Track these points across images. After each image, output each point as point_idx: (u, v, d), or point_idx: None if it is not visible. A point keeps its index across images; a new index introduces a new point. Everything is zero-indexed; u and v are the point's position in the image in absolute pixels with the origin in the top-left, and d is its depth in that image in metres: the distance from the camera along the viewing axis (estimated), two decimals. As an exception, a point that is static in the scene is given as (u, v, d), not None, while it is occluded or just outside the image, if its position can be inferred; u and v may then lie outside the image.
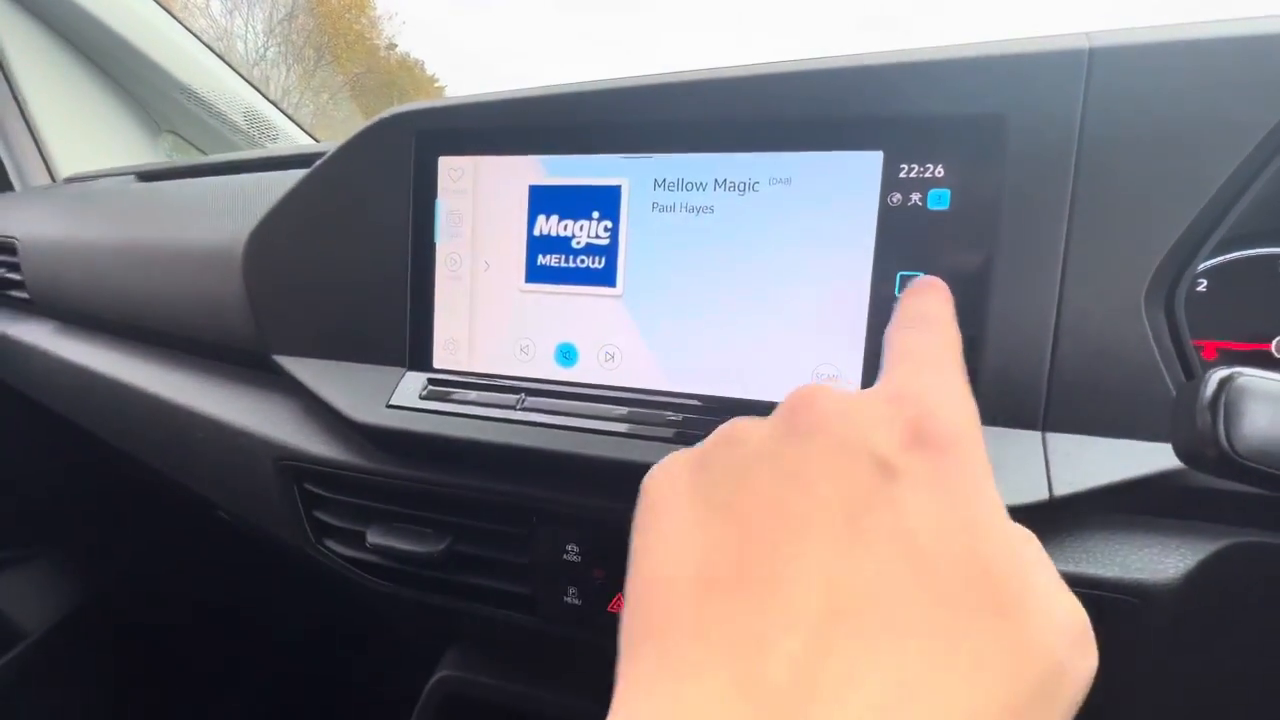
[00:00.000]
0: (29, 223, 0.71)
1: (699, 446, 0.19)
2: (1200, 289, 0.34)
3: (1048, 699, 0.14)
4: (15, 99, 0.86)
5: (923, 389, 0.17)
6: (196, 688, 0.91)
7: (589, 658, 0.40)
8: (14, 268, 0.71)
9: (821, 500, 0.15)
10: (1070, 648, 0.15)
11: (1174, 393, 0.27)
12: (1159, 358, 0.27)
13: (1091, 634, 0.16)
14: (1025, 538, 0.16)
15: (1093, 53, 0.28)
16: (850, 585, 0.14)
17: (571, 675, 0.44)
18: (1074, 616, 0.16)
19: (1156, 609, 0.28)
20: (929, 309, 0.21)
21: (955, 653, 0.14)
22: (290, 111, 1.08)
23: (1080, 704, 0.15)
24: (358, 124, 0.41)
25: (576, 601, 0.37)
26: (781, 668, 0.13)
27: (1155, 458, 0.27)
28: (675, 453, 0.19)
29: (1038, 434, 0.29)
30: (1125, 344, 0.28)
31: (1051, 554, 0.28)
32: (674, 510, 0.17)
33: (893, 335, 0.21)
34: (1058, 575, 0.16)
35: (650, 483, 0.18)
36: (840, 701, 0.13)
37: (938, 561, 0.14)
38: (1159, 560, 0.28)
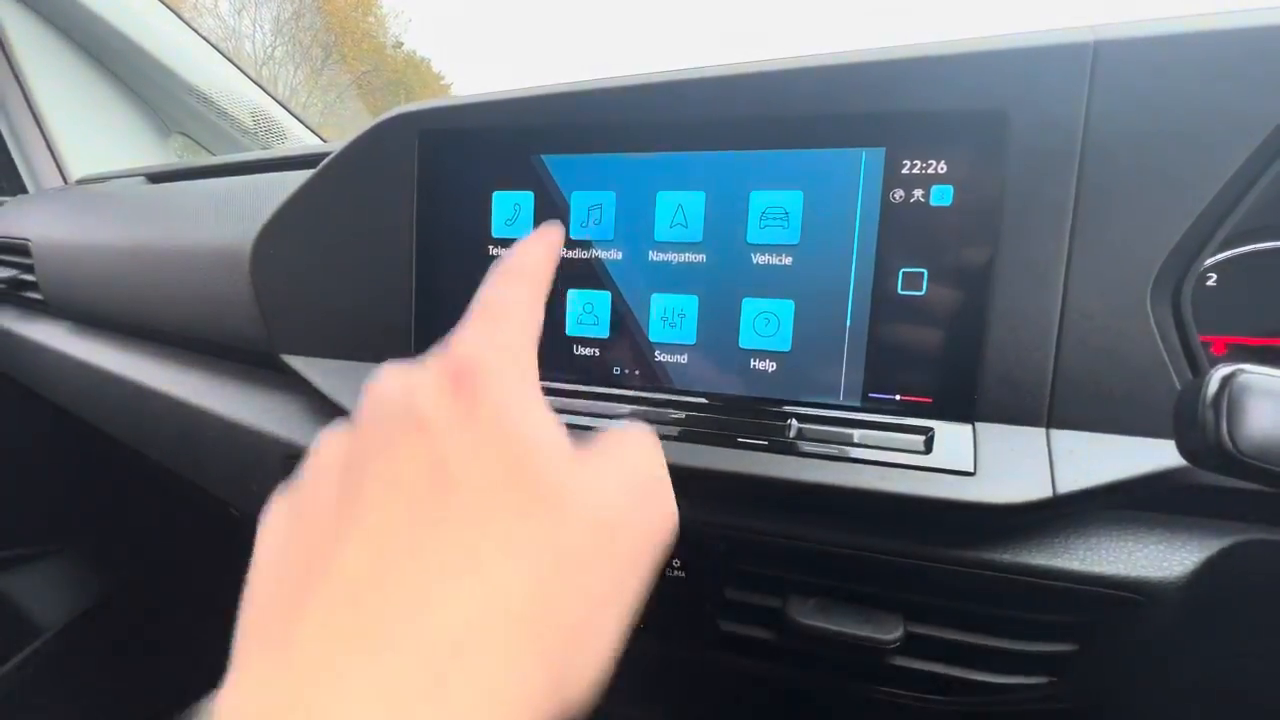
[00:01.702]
0: (42, 224, 0.72)
1: (310, 457, 0.21)
2: (1211, 283, 0.34)
3: (608, 541, 0.17)
4: (28, 102, 0.87)
5: (469, 344, 0.19)
6: (209, 682, 0.92)
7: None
8: (28, 269, 0.72)
9: (368, 475, 0.17)
10: (623, 498, 0.18)
11: (1180, 389, 0.27)
12: (1164, 354, 0.27)
13: (660, 483, 0.19)
14: (557, 437, 0.18)
15: (1097, 46, 0.27)
16: (392, 534, 0.16)
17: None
18: (626, 474, 0.19)
19: (1162, 606, 0.28)
20: (523, 260, 0.23)
21: (477, 552, 0.16)
22: (298, 110, 1.08)
23: (657, 549, 0.19)
24: (364, 122, 0.41)
25: (581, 598, 0.37)
26: (312, 624, 0.15)
27: (1160, 454, 0.27)
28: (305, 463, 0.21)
29: (1042, 430, 0.28)
30: (1130, 340, 0.27)
31: (1056, 551, 0.29)
32: (270, 537, 0.19)
33: (485, 281, 0.22)
34: (611, 451, 0.19)
35: (261, 520, 0.20)
36: (353, 636, 0.14)
37: (468, 482, 0.16)
38: (1165, 557, 0.28)
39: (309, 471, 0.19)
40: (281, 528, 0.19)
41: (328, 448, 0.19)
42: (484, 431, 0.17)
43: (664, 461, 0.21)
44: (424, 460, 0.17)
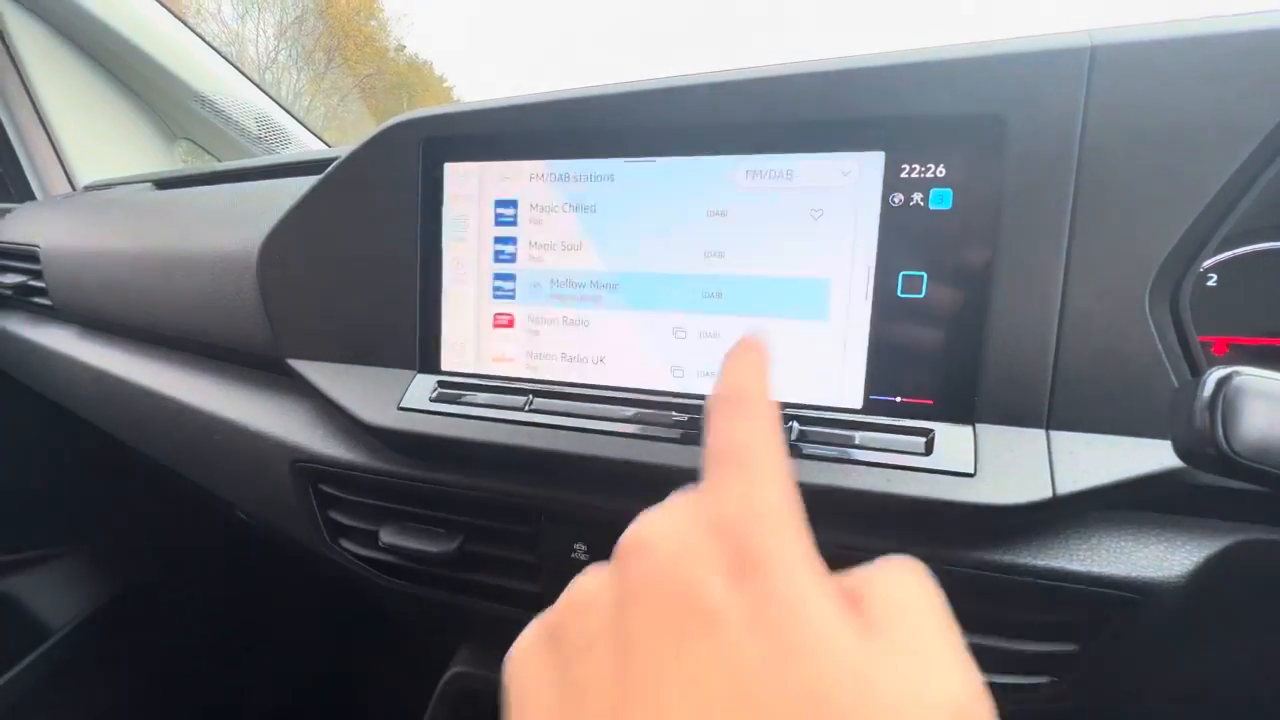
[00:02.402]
0: (50, 231, 0.73)
1: (553, 615, 0.19)
2: (1211, 283, 0.34)
3: None
4: (36, 110, 0.88)
5: (736, 507, 0.18)
6: (216, 682, 0.93)
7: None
8: (37, 275, 0.73)
9: (660, 675, 0.16)
10: None
11: (1175, 390, 0.27)
12: (1163, 355, 0.27)
13: (976, 712, 0.16)
14: (859, 641, 0.16)
15: (1094, 50, 0.28)
16: None
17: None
18: (941, 707, 0.15)
19: (1162, 606, 0.28)
20: (743, 382, 0.21)
21: None
22: (302, 113, 1.09)
23: None
24: (368, 125, 0.42)
25: (585, 599, 0.37)
26: None
27: (1160, 455, 0.27)
28: (532, 623, 0.20)
29: (1041, 432, 0.29)
30: (1129, 341, 0.28)
31: (1056, 552, 0.29)
32: (533, 700, 0.18)
33: (710, 417, 0.21)
34: (921, 645, 0.16)
35: (511, 667, 0.19)
36: None
37: (771, 706, 0.15)
38: (1164, 557, 0.28)
39: (576, 632, 0.18)
40: (544, 691, 0.17)
41: (594, 605, 0.18)
42: (778, 636, 0.16)
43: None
44: (719, 669, 0.15)
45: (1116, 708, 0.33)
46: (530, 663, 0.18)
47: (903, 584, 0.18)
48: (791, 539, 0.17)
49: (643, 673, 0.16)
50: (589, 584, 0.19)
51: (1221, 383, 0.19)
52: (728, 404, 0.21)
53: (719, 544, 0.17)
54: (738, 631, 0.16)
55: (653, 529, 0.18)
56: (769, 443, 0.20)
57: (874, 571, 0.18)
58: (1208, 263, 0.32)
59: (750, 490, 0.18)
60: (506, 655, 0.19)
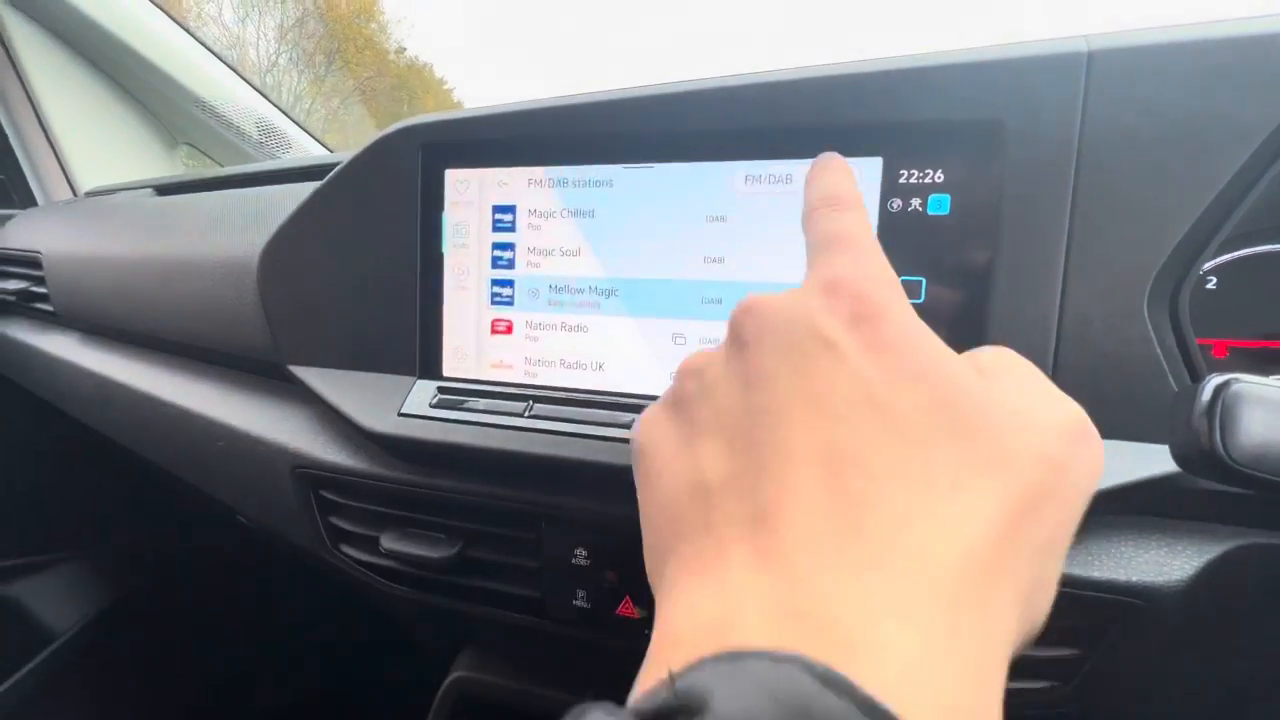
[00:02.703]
0: (52, 237, 0.73)
1: (671, 388, 0.20)
2: (1210, 286, 0.34)
3: (1046, 495, 0.16)
4: (38, 116, 0.88)
5: (848, 273, 0.18)
6: (218, 687, 0.93)
7: (600, 659, 0.41)
8: (39, 280, 0.73)
9: (787, 392, 0.17)
10: (1060, 442, 0.17)
11: (1174, 396, 0.27)
12: (1162, 359, 0.27)
13: (1092, 431, 0.17)
14: (979, 377, 0.17)
15: (1091, 55, 0.28)
16: (831, 454, 0.15)
17: (583, 676, 0.45)
18: (1055, 415, 0.17)
19: (1163, 611, 0.28)
20: (836, 188, 0.22)
21: (934, 478, 0.15)
22: (302, 116, 1.09)
23: (1091, 491, 0.17)
24: (368, 127, 0.42)
25: (585, 604, 0.37)
26: (787, 535, 0.15)
27: (1159, 460, 0.27)
28: (651, 405, 0.21)
29: (1041, 437, 0.29)
30: (1128, 346, 0.28)
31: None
32: (662, 445, 0.19)
33: (810, 220, 0.22)
34: (1031, 386, 0.18)
35: (636, 434, 0.20)
36: (842, 552, 0.14)
37: (900, 411, 0.16)
38: (1165, 562, 0.28)
39: (695, 387, 0.19)
40: (678, 447, 0.18)
41: (710, 366, 0.19)
42: (901, 361, 0.16)
43: None
44: (846, 384, 0.16)
45: (1118, 711, 0.33)
46: (657, 420, 0.19)
47: (1006, 353, 0.20)
48: (903, 299, 0.18)
49: (770, 395, 0.17)
50: (699, 357, 0.20)
51: (1219, 389, 0.19)
52: (825, 203, 0.22)
53: (835, 299, 0.18)
54: (861, 356, 0.16)
55: (764, 296, 0.19)
56: (869, 231, 0.21)
57: (978, 349, 0.20)
58: (1207, 265, 0.32)
59: (859, 259, 0.19)
60: (635, 424, 0.20)
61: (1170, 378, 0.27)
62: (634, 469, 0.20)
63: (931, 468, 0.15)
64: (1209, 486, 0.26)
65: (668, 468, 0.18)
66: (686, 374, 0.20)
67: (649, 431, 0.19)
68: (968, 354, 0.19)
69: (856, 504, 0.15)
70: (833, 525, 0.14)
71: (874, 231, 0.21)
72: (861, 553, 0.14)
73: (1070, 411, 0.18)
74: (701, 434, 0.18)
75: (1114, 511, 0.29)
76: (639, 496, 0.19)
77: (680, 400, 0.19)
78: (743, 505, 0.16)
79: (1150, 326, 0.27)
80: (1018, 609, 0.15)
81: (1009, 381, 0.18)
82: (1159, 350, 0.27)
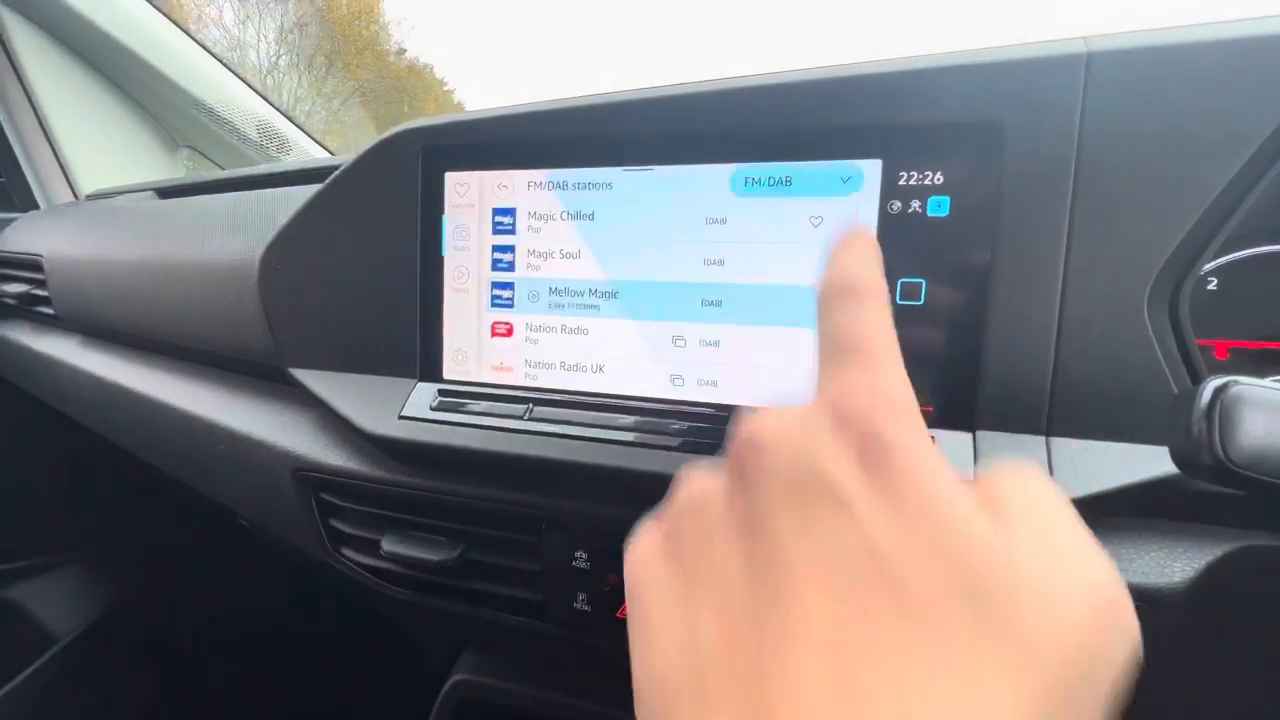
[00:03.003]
0: (54, 240, 0.73)
1: (666, 514, 0.19)
2: (1211, 287, 0.34)
3: (1079, 683, 0.14)
4: (39, 119, 0.89)
5: (862, 397, 0.17)
6: (219, 691, 0.93)
7: (600, 662, 0.41)
8: (40, 284, 0.73)
9: (792, 553, 0.15)
10: (1090, 627, 0.14)
11: (1173, 399, 0.27)
12: (1163, 361, 0.27)
13: (1122, 601, 0.15)
14: (999, 531, 0.15)
15: (1090, 57, 0.28)
16: (839, 638, 0.14)
17: (583, 679, 0.45)
18: (1085, 589, 0.15)
19: (1163, 613, 0.28)
20: (856, 273, 0.20)
21: (950, 673, 0.13)
22: (302, 118, 1.10)
23: (1128, 672, 0.15)
24: (368, 129, 0.42)
25: (586, 607, 0.37)
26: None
27: (1160, 461, 0.27)
28: (646, 524, 0.19)
29: (1041, 438, 0.29)
30: (1128, 347, 0.28)
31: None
32: (654, 595, 0.17)
33: (823, 308, 0.20)
34: (1055, 537, 0.16)
35: (630, 566, 0.19)
36: None
37: (915, 589, 0.14)
38: (1165, 564, 0.28)
39: (692, 528, 0.18)
40: (673, 602, 0.17)
41: (709, 502, 0.18)
42: (913, 520, 0.15)
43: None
44: (854, 548, 0.15)
45: (1120, 713, 0.33)
46: (650, 561, 0.18)
47: (1030, 483, 0.17)
48: (919, 429, 0.17)
49: (772, 553, 0.15)
50: (699, 484, 0.18)
51: (1218, 392, 0.19)
52: (842, 293, 0.19)
53: (845, 432, 0.16)
54: (873, 514, 0.15)
55: (770, 422, 0.17)
56: (887, 332, 0.19)
57: (998, 473, 0.17)
58: (1208, 266, 0.32)
59: (874, 379, 0.17)
60: (626, 557, 0.19)
61: (1170, 379, 0.27)
62: (627, 599, 0.19)
63: (947, 658, 0.14)
64: (1209, 488, 0.26)
65: (661, 626, 0.17)
66: (685, 506, 0.18)
67: (642, 572, 0.18)
68: (985, 479, 0.17)
69: (863, 699, 0.14)
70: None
71: (889, 316, 0.19)
72: None
73: (1101, 580, 0.15)
74: (698, 589, 0.16)
75: (1115, 513, 0.29)
76: (630, 634, 0.18)
77: (677, 539, 0.18)
78: (742, 688, 0.15)
79: (1150, 328, 0.27)
80: None
81: (1029, 532, 0.16)
82: (1159, 352, 0.27)
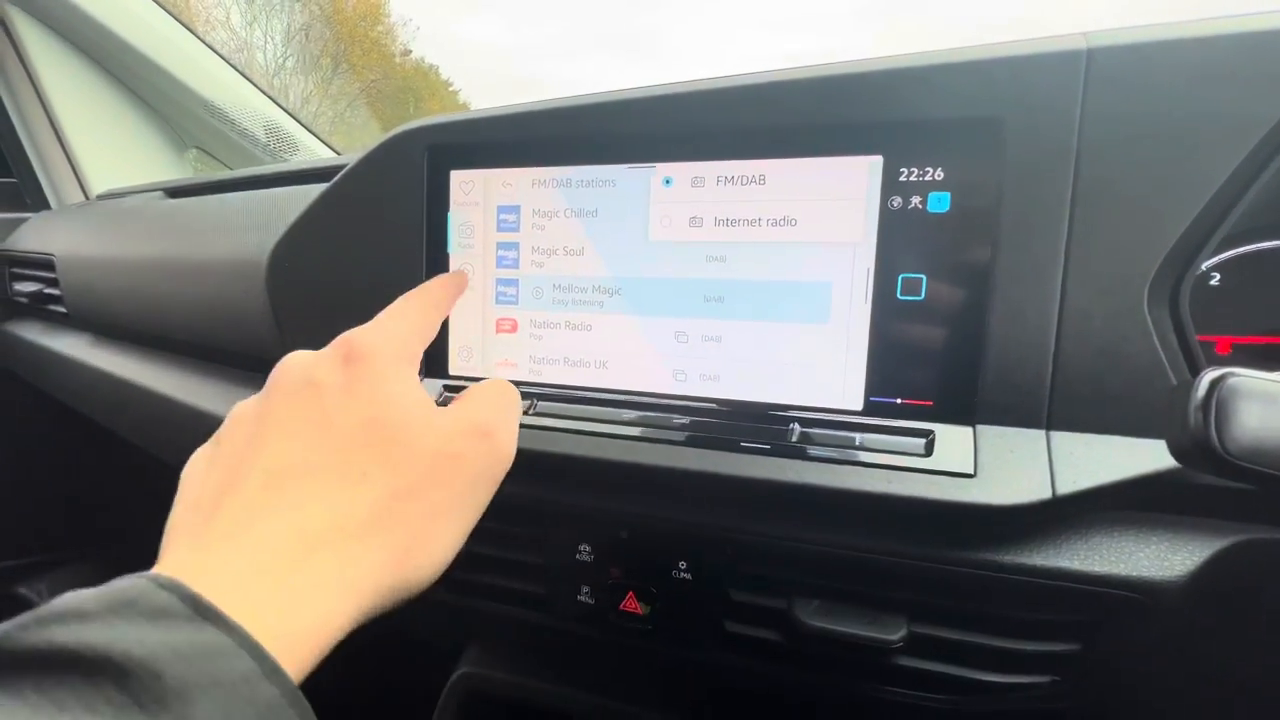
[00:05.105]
0: (65, 240, 0.74)
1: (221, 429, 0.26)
2: (1214, 282, 0.34)
3: (432, 479, 0.24)
4: (51, 121, 0.90)
5: (363, 331, 0.27)
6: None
7: (604, 654, 0.41)
8: (53, 283, 0.74)
9: (270, 421, 0.24)
10: (455, 440, 0.25)
11: (1170, 391, 0.27)
12: (1163, 355, 0.27)
13: (486, 426, 0.26)
14: (416, 401, 0.25)
15: (1090, 53, 0.28)
16: (284, 462, 0.23)
17: (587, 671, 0.45)
18: (458, 420, 0.26)
19: (1164, 606, 0.28)
20: (422, 287, 0.32)
21: (347, 478, 0.23)
22: (309, 118, 1.11)
23: (492, 478, 0.26)
24: (374, 129, 0.43)
25: (589, 600, 0.38)
26: (223, 520, 0.21)
27: (1160, 455, 0.27)
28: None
29: (1041, 432, 0.29)
30: (1128, 342, 0.28)
31: (1057, 552, 0.29)
32: (194, 472, 0.25)
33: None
34: (467, 401, 0.27)
35: (185, 469, 0.26)
36: (204, 532, 0.21)
37: (343, 429, 0.23)
38: (1166, 557, 0.28)
39: (227, 424, 0.25)
40: (203, 463, 0.25)
41: (242, 409, 0.26)
42: (359, 393, 0.24)
43: (512, 409, 0.28)
44: (313, 411, 0.24)
45: (1120, 707, 0.33)
46: (196, 457, 0.26)
47: (484, 391, 0.28)
48: (394, 350, 0.26)
49: (264, 426, 0.24)
50: (241, 403, 0.26)
51: (1215, 383, 0.19)
52: (413, 293, 0.31)
53: (339, 351, 0.25)
54: (334, 392, 0.24)
55: (296, 354, 0.26)
56: (419, 313, 0.30)
57: (474, 386, 0.29)
58: (1210, 262, 0.32)
59: (381, 329, 0.27)
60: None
61: (1170, 373, 0.27)
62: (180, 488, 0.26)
63: (349, 466, 0.23)
64: (1210, 481, 0.26)
65: (192, 480, 0.24)
66: (229, 418, 0.26)
67: (190, 463, 0.26)
68: (469, 389, 0.29)
69: (272, 498, 0.22)
70: (249, 513, 0.21)
71: (431, 319, 0.32)
72: (258, 530, 0.21)
73: (473, 417, 0.26)
74: (215, 464, 0.24)
75: (1116, 506, 0.29)
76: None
77: (219, 439, 0.26)
78: (217, 498, 0.22)
79: (1150, 323, 0.28)
80: (388, 557, 0.22)
81: (461, 411, 0.26)
82: (1159, 346, 0.27)
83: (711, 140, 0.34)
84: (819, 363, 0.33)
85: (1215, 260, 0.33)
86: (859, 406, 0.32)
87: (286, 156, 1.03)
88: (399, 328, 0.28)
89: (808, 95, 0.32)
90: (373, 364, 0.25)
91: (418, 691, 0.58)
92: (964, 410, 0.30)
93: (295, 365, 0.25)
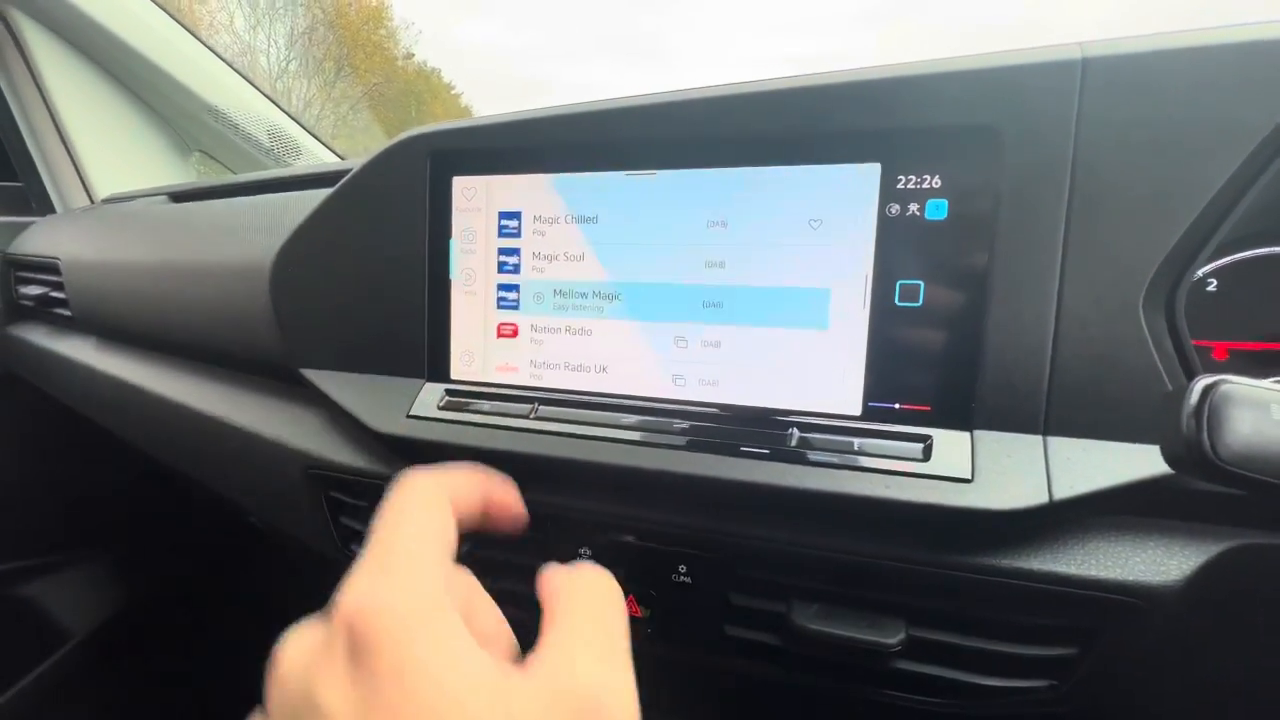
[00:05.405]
0: (70, 243, 0.75)
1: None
2: (1211, 289, 0.34)
3: None
4: (56, 125, 0.90)
5: (358, 592, 0.19)
6: (231, 686, 0.94)
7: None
8: (57, 286, 0.75)
9: None
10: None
11: (1163, 398, 0.27)
12: (1159, 361, 0.28)
13: (595, 698, 0.18)
14: (471, 685, 0.17)
15: (1086, 62, 0.28)
16: None
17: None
18: (548, 702, 0.18)
19: (1161, 610, 0.28)
20: (408, 483, 0.24)
21: None
22: (312, 122, 1.11)
23: None
24: (377, 132, 0.43)
25: (590, 603, 0.38)
26: None
27: (1156, 461, 0.27)
28: None
29: (1038, 438, 0.29)
30: (1124, 348, 0.28)
31: (1054, 556, 0.29)
32: None
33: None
34: (539, 676, 0.19)
35: None
36: None
37: None
38: (1162, 562, 0.28)
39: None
40: None
41: None
42: (381, 710, 0.17)
43: (624, 639, 0.21)
44: None
45: (1116, 711, 0.33)
46: None
47: (579, 626, 0.20)
48: (415, 613, 0.18)
49: None
50: None
51: (1207, 390, 0.19)
52: (397, 496, 0.22)
53: (341, 639, 0.18)
54: (348, 712, 0.17)
55: (291, 643, 0.20)
56: (422, 528, 0.21)
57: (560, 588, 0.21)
58: (1207, 268, 0.33)
59: (382, 579, 0.19)
60: None
61: (1166, 379, 0.28)
62: None
63: None
64: (1205, 487, 0.27)
65: None
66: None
67: None
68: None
69: None
70: None
71: (442, 522, 0.23)
72: None
73: (568, 683, 0.18)
74: None
75: (1112, 511, 0.29)
76: None
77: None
78: None
79: (1146, 329, 0.28)
80: None
81: (547, 651, 0.19)
82: (1155, 352, 0.28)
83: (711, 148, 0.34)
84: (817, 368, 0.33)
85: (1211, 266, 0.33)
86: (857, 411, 0.32)
87: (290, 160, 1.04)
88: (407, 567, 0.20)
89: (806, 103, 0.32)
90: (394, 652, 0.17)
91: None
92: (961, 415, 0.30)
93: (292, 675, 0.19)
